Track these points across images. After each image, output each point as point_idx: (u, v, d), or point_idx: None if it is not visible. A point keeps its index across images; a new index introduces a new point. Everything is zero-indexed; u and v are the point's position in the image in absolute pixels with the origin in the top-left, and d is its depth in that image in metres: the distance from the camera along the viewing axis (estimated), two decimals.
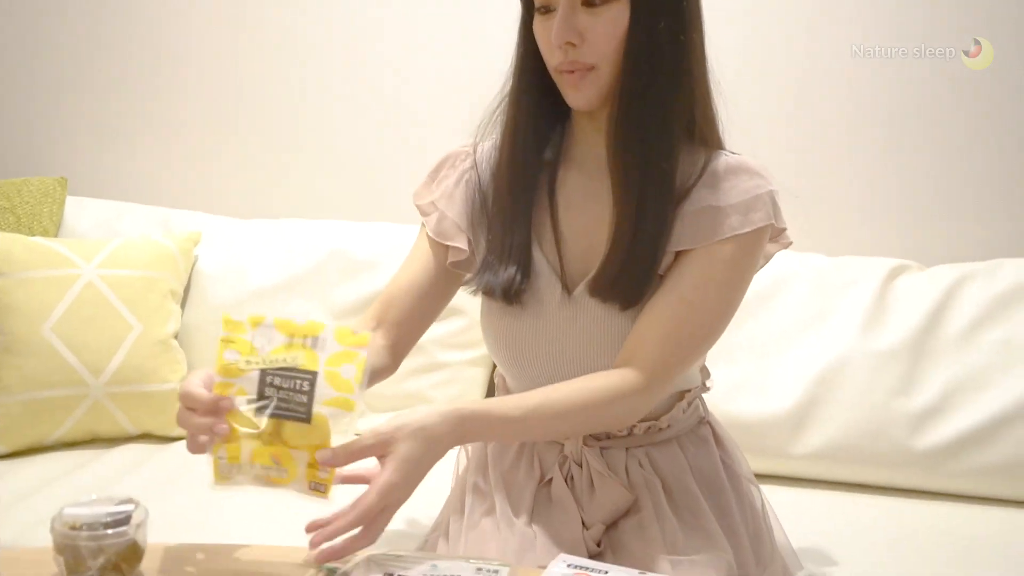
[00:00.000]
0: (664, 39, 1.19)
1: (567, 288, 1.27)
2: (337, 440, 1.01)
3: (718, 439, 1.40)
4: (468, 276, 1.32)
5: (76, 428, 1.87)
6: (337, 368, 1.01)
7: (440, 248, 1.34)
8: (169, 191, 2.40)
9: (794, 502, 1.75)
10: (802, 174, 2.17)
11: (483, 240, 1.32)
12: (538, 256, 1.28)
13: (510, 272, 1.26)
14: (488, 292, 1.28)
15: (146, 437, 1.95)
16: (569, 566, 1.03)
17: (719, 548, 1.24)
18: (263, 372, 1.00)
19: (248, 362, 1.00)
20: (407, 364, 1.98)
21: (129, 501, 1.01)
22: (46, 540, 0.99)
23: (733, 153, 1.28)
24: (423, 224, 1.37)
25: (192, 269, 2.13)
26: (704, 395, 1.40)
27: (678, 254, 1.23)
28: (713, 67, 1.26)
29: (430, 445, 1.07)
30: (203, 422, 1.02)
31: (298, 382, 1.00)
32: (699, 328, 1.24)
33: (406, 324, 1.35)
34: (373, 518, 1.01)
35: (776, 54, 2.16)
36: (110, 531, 0.96)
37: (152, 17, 2.38)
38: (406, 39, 2.30)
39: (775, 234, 1.29)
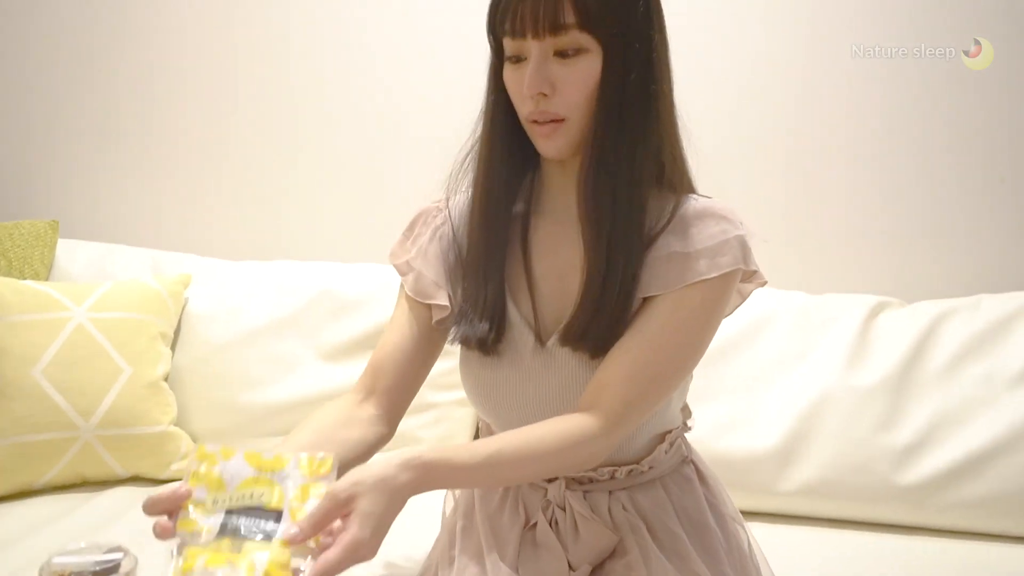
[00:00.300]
0: (635, 91, 1.18)
1: (540, 339, 1.26)
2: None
3: (703, 478, 1.38)
4: (445, 327, 1.30)
5: (66, 471, 1.86)
6: (302, 504, 0.98)
7: (421, 308, 1.32)
8: (160, 233, 2.41)
9: (781, 538, 1.75)
10: (786, 215, 2.19)
11: (460, 292, 1.30)
12: (511, 308, 1.27)
13: (484, 325, 1.24)
14: (465, 342, 1.27)
15: (136, 480, 1.94)
16: None
17: (688, 564, 1.23)
18: (228, 512, 0.97)
19: (215, 501, 0.98)
20: None
21: (118, 549, 0.99)
22: None
23: (703, 196, 1.27)
24: (402, 285, 1.36)
25: (183, 311, 2.12)
26: (686, 434, 1.39)
27: (645, 301, 1.22)
28: (681, 113, 1.26)
29: (392, 496, 1.02)
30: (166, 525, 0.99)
31: (262, 523, 0.96)
32: (663, 371, 1.21)
33: (396, 389, 1.31)
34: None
35: (768, 92, 2.18)
36: None
37: (142, 64, 2.40)
38: (393, 90, 2.32)
39: (747, 276, 1.26)
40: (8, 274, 2.08)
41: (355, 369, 2.00)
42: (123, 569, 0.97)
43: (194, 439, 2.02)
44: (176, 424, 1.98)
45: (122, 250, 2.31)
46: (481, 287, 1.26)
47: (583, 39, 1.15)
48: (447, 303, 1.30)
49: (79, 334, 1.90)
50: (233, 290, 2.18)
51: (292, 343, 2.10)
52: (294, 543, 0.95)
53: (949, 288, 2.11)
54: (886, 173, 2.17)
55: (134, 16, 2.39)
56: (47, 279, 2.19)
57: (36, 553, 1.49)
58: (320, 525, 0.97)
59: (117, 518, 1.74)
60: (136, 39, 2.39)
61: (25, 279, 2.05)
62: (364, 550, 0.98)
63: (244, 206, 2.40)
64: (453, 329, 1.27)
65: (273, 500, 0.97)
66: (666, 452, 1.32)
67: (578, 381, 1.24)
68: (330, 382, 2.06)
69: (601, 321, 1.20)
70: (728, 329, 1.95)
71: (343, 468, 1.08)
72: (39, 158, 2.46)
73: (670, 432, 1.33)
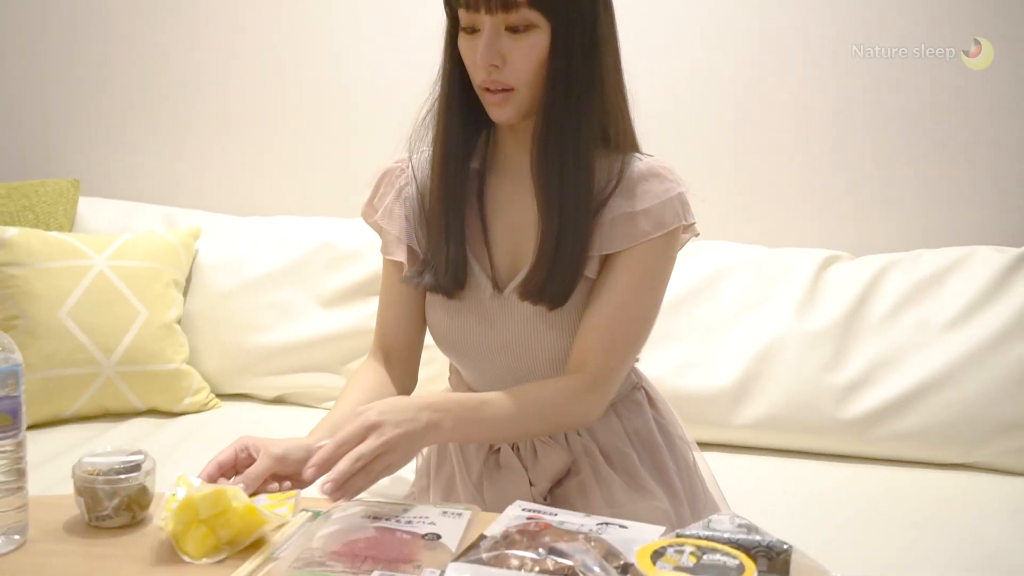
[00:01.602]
0: (579, 63, 1.20)
1: (497, 288, 1.29)
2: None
3: (652, 402, 1.43)
4: (408, 274, 1.32)
5: (90, 403, 1.90)
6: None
7: (399, 266, 1.35)
8: (172, 191, 2.41)
9: (736, 467, 1.80)
10: (745, 175, 2.21)
11: (421, 249, 1.32)
12: (471, 259, 1.29)
13: (448, 270, 1.27)
14: (431, 290, 1.31)
15: (152, 412, 1.97)
16: (524, 510, 1.06)
17: (655, 499, 1.29)
18: None
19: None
20: None
21: (139, 452, 1.07)
22: (68, 492, 1.05)
23: (646, 156, 1.29)
24: (383, 259, 1.39)
25: (193, 261, 2.14)
26: (637, 365, 1.43)
27: (605, 259, 1.25)
28: (626, 79, 1.28)
29: (400, 406, 1.10)
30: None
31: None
32: (635, 327, 1.27)
33: (407, 349, 1.39)
34: (370, 458, 1.04)
35: (728, 61, 2.19)
36: (123, 476, 1.02)
37: (157, 37, 2.40)
38: (392, 49, 2.31)
39: (685, 228, 1.29)
40: (35, 227, 2.10)
41: (350, 315, 2.08)
42: (144, 468, 1.05)
43: (204, 377, 2.05)
44: (188, 363, 2.02)
45: (138, 207, 2.32)
46: (442, 239, 1.28)
47: (532, 16, 1.16)
48: (405, 260, 1.33)
49: (100, 280, 1.93)
50: (239, 242, 2.20)
51: (293, 291, 2.12)
52: (320, 466, 1.03)
53: (893, 243, 2.13)
54: (840, 140, 2.19)
55: None
56: (70, 232, 2.20)
57: (67, 471, 1.55)
58: (345, 448, 1.04)
59: (136, 442, 1.76)
60: (152, 14, 2.39)
61: (51, 231, 2.07)
62: (388, 434, 1.06)
63: (249, 167, 2.41)
64: (417, 278, 1.30)
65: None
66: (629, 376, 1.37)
67: (534, 327, 1.28)
68: (327, 327, 2.09)
69: (556, 276, 1.23)
70: (691, 278, 2.01)
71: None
72: (62, 122, 2.46)
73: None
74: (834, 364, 1.92)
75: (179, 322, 2.06)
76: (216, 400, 2.06)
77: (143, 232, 2.14)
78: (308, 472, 1.06)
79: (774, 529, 0.96)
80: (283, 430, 1.87)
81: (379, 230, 1.39)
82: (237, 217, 2.31)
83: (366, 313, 2.09)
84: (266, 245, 2.19)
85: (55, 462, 1.65)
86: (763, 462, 1.89)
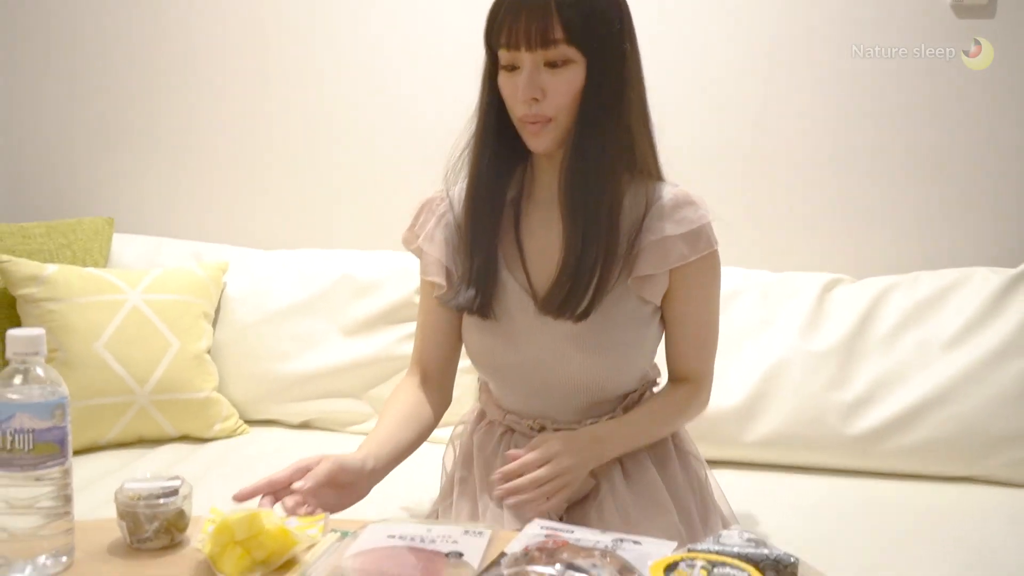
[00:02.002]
0: (610, 95, 1.26)
1: (537, 302, 1.32)
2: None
3: None
4: (445, 296, 1.37)
5: (125, 431, 1.92)
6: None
7: (437, 289, 1.40)
8: (201, 227, 2.44)
9: (746, 483, 1.80)
10: (751, 203, 2.22)
11: (459, 274, 1.36)
12: (507, 277, 1.34)
13: (479, 291, 1.31)
14: (462, 309, 1.35)
15: (184, 438, 1.99)
16: (542, 527, 1.08)
17: (666, 511, 1.31)
18: None
19: None
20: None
21: (176, 478, 1.09)
22: (110, 516, 1.07)
23: (674, 185, 1.34)
24: (421, 282, 1.45)
25: (221, 294, 2.17)
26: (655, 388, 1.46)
27: (673, 281, 1.33)
28: (654, 110, 1.33)
29: (575, 438, 1.27)
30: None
31: None
32: (712, 332, 1.40)
33: (443, 370, 1.46)
34: (545, 481, 1.22)
35: (730, 90, 2.21)
36: (163, 500, 1.04)
37: (182, 81, 2.43)
38: (412, 86, 2.34)
39: None
40: (73, 263, 2.13)
41: (371, 343, 2.10)
42: (181, 492, 1.06)
43: (233, 405, 2.07)
44: (217, 391, 2.03)
45: (169, 242, 2.35)
46: (476, 258, 1.33)
47: (569, 52, 1.22)
48: (444, 283, 1.37)
49: (134, 313, 1.96)
50: (265, 275, 2.22)
51: (316, 321, 2.14)
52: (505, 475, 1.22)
53: (893, 266, 2.13)
54: (841, 167, 2.20)
55: (181, 31, 2.42)
56: (105, 267, 2.23)
57: (107, 494, 1.55)
58: (528, 466, 1.22)
59: (170, 467, 1.80)
60: (179, 59, 2.43)
61: (87, 267, 2.09)
62: (566, 461, 1.24)
63: (274, 202, 2.43)
64: (453, 298, 1.35)
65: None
66: (635, 402, 1.40)
67: (564, 342, 1.31)
68: (350, 355, 2.10)
69: (577, 290, 1.27)
70: None
71: (424, 436, 1.40)
72: (96, 164, 2.49)
73: (645, 385, 1.43)
74: (839, 383, 1.92)
75: (209, 352, 2.07)
76: (245, 426, 2.08)
77: (174, 267, 2.16)
78: (494, 476, 1.23)
79: (781, 543, 0.98)
80: (310, 453, 1.90)
81: (420, 254, 1.43)
82: (263, 251, 2.33)
83: (387, 341, 2.12)
84: (290, 277, 2.20)
85: (94, 487, 1.67)
86: (771, 478, 1.89)
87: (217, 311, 2.16)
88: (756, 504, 1.70)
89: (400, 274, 2.17)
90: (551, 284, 1.30)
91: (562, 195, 1.29)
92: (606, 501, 1.32)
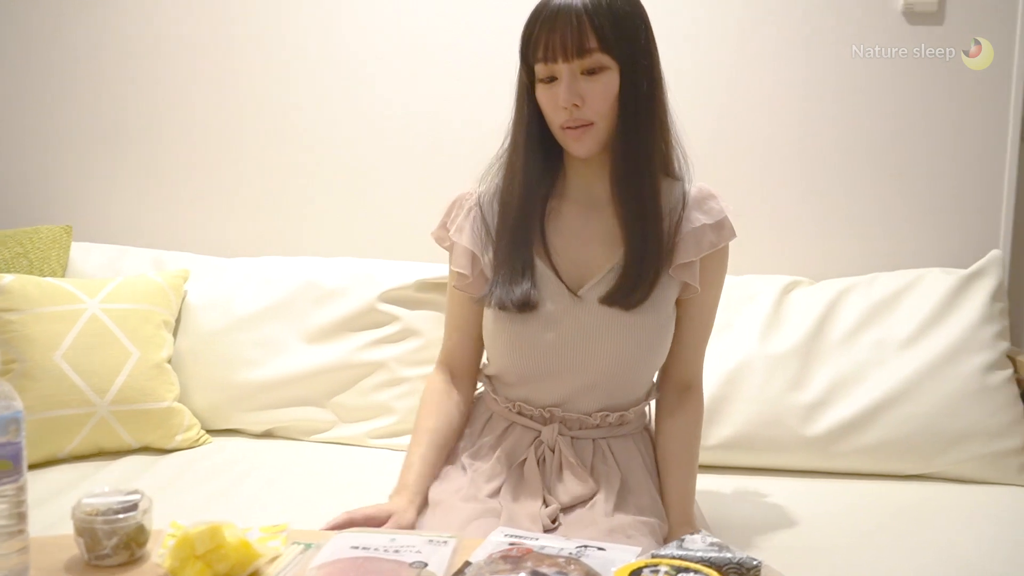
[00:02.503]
0: (644, 98, 1.33)
1: (572, 291, 1.37)
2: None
3: (652, 438, 1.51)
4: (483, 294, 1.41)
5: (85, 442, 1.87)
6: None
7: (465, 282, 1.44)
8: (161, 235, 2.41)
9: (708, 485, 1.80)
10: None
11: (486, 262, 1.41)
12: (541, 269, 1.38)
13: (525, 286, 1.36)
14: (502, 306, 1.37)
15: (145, 449, 1.95)
16: (506, 535, 1.09)
17: (650, 514, 1.34)
18: None
19: None
20: (373, 380, 2.07)
21: (135, 492, 1.07)
22: (67, 532, 1.05)
23: (690, 181, 1.43)
24: (449, 278, 1.48)
25: (183, 302, 2.13)
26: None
27: (680, 278, 1.38)
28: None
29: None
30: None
31: None
32: (709, 331, 1.48)
33: (469, 368, 1.52)
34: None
35: (687, 94, 2.25)
36: (121, 516, 1.02)
37: (146, 87, 2.40)
38: (369, 96, 2.33)
39: None
40: (30, 272, 2.09)
41: (334, 350, 2.08)
42: (141, 507, 1.05)
43: (195, 414, 2.03)
44: (179, 400, 2.00)
45: (128, 250, 2.30)
46: (517, 255, 1.37)
47: (604, 59, 1.29)
48: (468, 273, 1.42)
49: (93, 323, 1.92)
50: (227, 283, 2.19)
51: (279, 328, 2.11)
52: None
53: (850, 268, 2.16)
54: (803, 171, 2.23)
55: (140, 38, 2.38)
56: (63, 276, 2.19)
57: (66, 510, 1.52)
58: None
59: (131, 480, 1.76)
60: (139, 65, 2.39)
61: (44, 277, 2.05)
62: None
63: (235, 210, 2.41)
64: (490, 295, 1.38)
65: None
66: (645, 409, 1.47)
67: (600, 325, 1.36)
68: (313, 362, 2.07)
69: (640, 284, 1.34)
70: None
71: (456, 430, 1.47)
72: (55, 171, 2.45)
73: (648, 394, 1.47)
74: (798, 384, 1.94)
75: (170, 361, 2.04)
76: (207, 436, 2.04)
77: (133, 275, 2.12)
78: None
79: (744, 544, 0.98)
80: (271, 464, 1.89)
81: (451, 247, 1.47)
82: (224, 258, 2.30)
83: (350, 348, 2.10)
84: (252, 285, 2.18)
85: (53, 502, 1.63)
86: (733, 480, 1.89)
87: (178, 320, 2.12)
88: (718, 507, 1.70)
89: (363, 281, 2.16)
90: (618, 278, 1.35)
91: (616, 196, 1.36)
92: (600, 508, 1.34)
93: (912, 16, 2.17)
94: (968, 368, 1.92)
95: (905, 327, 1.98)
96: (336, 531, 1.15)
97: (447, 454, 1.46)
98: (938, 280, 2.05)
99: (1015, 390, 1.95)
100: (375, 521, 1.26)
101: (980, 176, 2.20)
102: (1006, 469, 1.88)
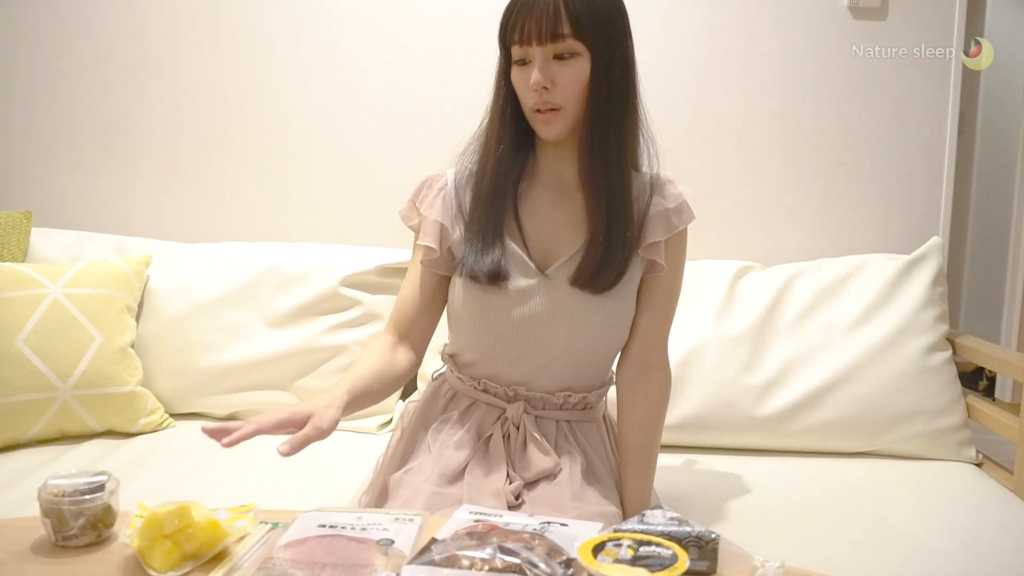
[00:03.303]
0: (616, 86, 1.33)
1: (540, 269, 1.38)
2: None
3: (609, 424, 1.53)
4: (451, 266, 1.42)
5: (48, 426, 1.85)
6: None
7: (430, 255, 1.43)
8: (122, 221, 2.38)
9: (665, 465, 1.80)
10: None
11: (456, 238, 1.41)
12: (512, 246, 1.38)
13: (494, 257, 1.36)
14: (473, 276, 1.37)
15: (109, 433, 1.93)
16: (471, 512, 1.09)
17: (612, 503, 1.36)
18: None
19: None
20: (336, 363, 2.06)
21: (102, 473, 1.05)
22: (31, 515, 1.03)
23: (651, 170, 1.43)
24: (414, 247, 1.47)
25: (145, 287, 2.11)
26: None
27: (648, 256, 1.39)
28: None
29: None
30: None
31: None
32: (673, 311, 1.47)
33: (418, 331, 1.47)
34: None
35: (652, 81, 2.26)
36: (88, 496, 1.00)
37: (106, 72, 2.36)
38: (330, 80, 2.32)
39: None
40: None
41: (297, 334, 2.07)
42: (108, 488, 1.03)
43: (159, 398, 2.02)
44: (142, 385, 1.98)
45: (89, 236, 2.26)
46: (487, 230, 1.38)
47: (576, 45, 1.29)
48: (436, 248, 1.41)
49: (55, 308, 1.88)
50: (189, 268, 2.16)
51: (242, 313, 2.09)
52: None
53: (799, 253, 2.20)
54: (749, 161, 2.25)
55: (99, 23, 2.34)
56: (23, 262, 2.13)
57: (29, 492, 1.48)
58: None
59: (94, 464, 1.69)
60: (98, 49, 2.35)
61: (5, 262, 2.00)
62: None
63: (197, 195, 2.38)
64: (461, 266, 1.38)
65: None
66: (603, 396, 1.48)
67: (566, 305, 1.36)
68: (276, 346, 2.06)
69: (606, 266, 1.35)
70: None
71: (391, 379, 1.40)
72: (14, 155, 2.40)
73: (608, 380, 1.48)
74: (750, 366, 1.96)
75: (133, 346, 2.01)
76: (170, 420, 2.02)
77: (96, 260, 2.09)
78: None
79: (699, 520, 0.99)
80: (237, 446, 1.86)
81: (418, 226, 1.46)
82: (186, 244, 2.28)
83: (312, 332, 2.08)
84: (215, 270, 2.15)
85: (17, 486, 1.61)
86: (689, 459, 1.91)
87: (141, 305, 2.10)
88: (674, 485, 1.72)
89: (325, 266, 2.15)
90: (581, 260, 1.36)
91: (583, 180, 1.37)
92: (563, 486, 1.35)
93: (857, 11, 2.20)
94: (910, 350, 1.96)
95: (851, 311, 2.01)
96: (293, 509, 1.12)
97: (376, 389, 1.37)
98: (882, 266, 2.09)
99: (954, 371, 1.99)
100: (292, 423, 1.17)
101: (921, 167, 2.24)
102: (946, 446, 1.93)
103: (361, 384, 1.32)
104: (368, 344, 1.53)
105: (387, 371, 1.39)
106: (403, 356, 1.43)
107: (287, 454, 1.11)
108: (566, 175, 1.41)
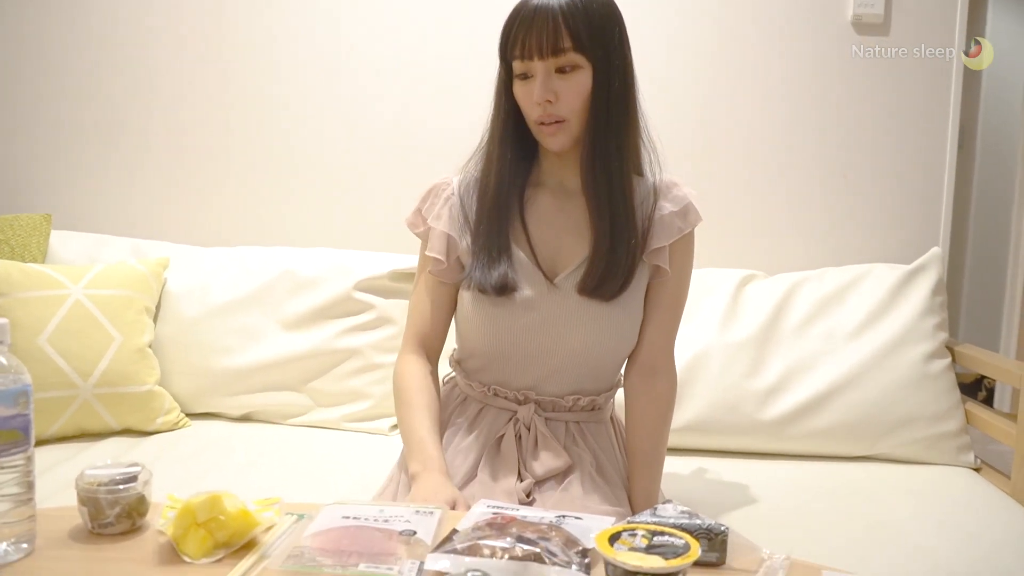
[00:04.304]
0: (617, 97, 1.35)
1: (548, 278, 1.38)
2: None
3: (617, 427, 1.55)
4: (459, 278, 1.43)
5: (68, 424, 1.88)
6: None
7: (439, 267, 1.44)
8: (140, 224, 2.40)
9: (671, 467, 1.77)
10: None
11: (463, 247, 1.42)
12: (518, 255, 1.39)
13: (501, 270, 1.37)
14: (481, 289, 1.38)
15: (127, 431, 1.96)
16: (488, 506, 1.11)
17: (620, 504, 1.38)
18: None
19: None
20: (349, 366, 2.08)
21: (136, 464, 1.09)
22: (59, 505, 1.06)
23: (654, 175, 1.45)
24: (420, 258, 1.48)
25: (163, 289, 2.13)
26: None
27: (652, 262, 1.40)
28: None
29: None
30: None
31: None
32: (681, 311, 1.47)
33: (437, 345, 1.50)
34: None
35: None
36: (123, 486, 1.04)
37: (126, 80, 2.39)
38: (347, 85, 2.34)
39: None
40: (11, 259, 2.08)
41: (310, 337, 2.09)
42: (141, 478, 1.07)
43: (175, 398, 2.04)
44: (159, 384, 2.00)
45: (107, 239, 2.29)
46: (494, 241, 1.39)
47: (577, 58, 1.31)
48: (444, 259, 1.42)
49: (77, 308, 1.92)
50: (205, 271, 2.19)
51: (256, 316, 2.12)
52: None
53: (802, 262, 2.22)
54: (755, 172, 2.28)
55: (121, 29, 2.37)
56: (43, 264, 2.16)
57: (55, 486, 1.54)
58: None
59: (115, 460, 1.75)
60: (114, 57, 2.38)
61: (26, 263, 2.02)
62: None
63: (213, 199, 2.41)
64: (469, 279, 1.40)
65: None
66: (611, 398, 1.49)
67: (575, 313, 1.37)
68: (289, 348, 2.08)
69: (611, 274, 1.36)
70: None
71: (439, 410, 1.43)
72: (35, 159, 2.43)
73: (617, 383, 1.50)
74: (754, 371, 1.99)
75: (151, 346, 2.04)
76: (186, 419, 2.05)
77: (115, 263, 2.12)
78: None
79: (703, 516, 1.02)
80: (250, 446, 1.91)
81: (425, 234, 1.47)
82: (202, 247, 2.30)
83: (325, 335, 2.11)
84: (230, 273, 2.18)
85: (41, 479, 1.58)
86: (695, 461, 1.93)
87: (158, 306, 2.13)
88: (680, 486, 1.75)
89: (338, 271, 2.17)
90: (586, 268, 1.37)
91: (586, 189, 1.38)
92: (574, 485, 1.37)
93: (860, 27, 2.23)
94: (910, 357, 1.98)
95: (853, 319, 2.04)
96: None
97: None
98: (883, 275, 2.11)
99: (953, 378, 2.01)
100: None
101: (922, 179, 2.27)
102: (945, 450, 1.95)
103: (437, 433, 1.39)
104: (406, 374, 1.45)
105: (437, 400, 1.45)
106: (435, 374, 1.48)
107: None
108: (568, 183, 1.42)
